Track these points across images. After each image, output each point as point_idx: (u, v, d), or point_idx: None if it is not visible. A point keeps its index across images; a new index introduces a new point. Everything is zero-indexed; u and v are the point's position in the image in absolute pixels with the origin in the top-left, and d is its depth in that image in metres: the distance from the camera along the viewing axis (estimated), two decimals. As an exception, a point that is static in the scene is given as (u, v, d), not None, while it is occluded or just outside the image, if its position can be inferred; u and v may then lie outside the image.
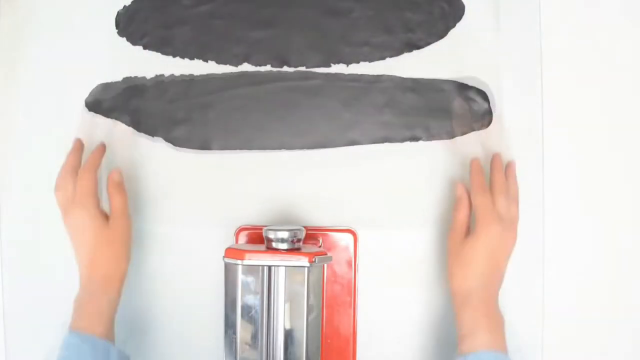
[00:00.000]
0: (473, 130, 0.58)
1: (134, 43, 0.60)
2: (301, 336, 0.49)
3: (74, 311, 0.51)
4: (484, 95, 0.58)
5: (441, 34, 0.59)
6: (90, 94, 0.60)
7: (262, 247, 0.51)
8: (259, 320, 0.49)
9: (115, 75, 0.60)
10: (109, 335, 0.51)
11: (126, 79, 0.60)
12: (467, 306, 0.51)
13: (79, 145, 0.57)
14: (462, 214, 0.54)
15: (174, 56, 0.60)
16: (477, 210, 0.53)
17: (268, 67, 0.59)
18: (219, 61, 0.59)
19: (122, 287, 0.53)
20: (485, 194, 0.53)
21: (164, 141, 0.60)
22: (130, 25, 0.60)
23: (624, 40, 0.59)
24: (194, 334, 0.60)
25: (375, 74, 0.59)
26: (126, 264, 0.54)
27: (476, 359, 0.48)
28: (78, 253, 0.53)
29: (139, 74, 0.60)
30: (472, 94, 0.58)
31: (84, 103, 0.60)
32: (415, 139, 0.59)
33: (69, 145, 0.60)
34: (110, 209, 0.55)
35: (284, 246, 0.50)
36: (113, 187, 0.55)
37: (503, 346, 0.50)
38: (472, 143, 0.58)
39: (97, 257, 0.52)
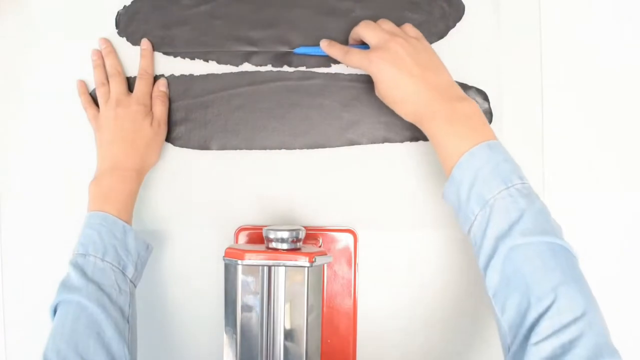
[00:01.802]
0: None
1: (134, 43, 0.60)
2: (301, 336, 0.49)
3: (93, 196, 0.54)
4: (484, 95, 0.58)
5: (441, 34, 0.59)
6: (92, 94, 0.60)
7: (262, 247, 0.51)
8: (259, 320, 0.49)
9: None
10: (128, 222, 0.55)
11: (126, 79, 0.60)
12: (426, 123, 0.49)
13: (111, 47, 0.60)
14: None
15: (174, 56, 0.60)
16: (363, 32, 0.52)
17: (268, 67, 0.59)
18: (219, 61, 0.60)
19: (141, 181, 0.57)
20: (367, 23, 0.53)
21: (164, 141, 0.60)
22: (130, 26, 0.60)
23: (623, 39, 0.59)
24: (194, 333, 0.60)
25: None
26: (153, 164, 0.59)
27: (458, 170, 0.46)
28: (112, 142, 0.56)
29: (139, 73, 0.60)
30: (472, 94, 0.58)
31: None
32: (415, 139, 0.59)
33: (69, 144, 0.61)
34: (153, 114, 0.58)
35: (284, 246, 0.50)
36: (158, 95, 0.59)
37: (482, 135, 0.47)
38: None
39: (135, 149, 0.56)
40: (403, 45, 0.50)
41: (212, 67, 0.60)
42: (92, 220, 0.53)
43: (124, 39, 0.60)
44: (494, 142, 0.47)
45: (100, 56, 0.60)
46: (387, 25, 0.53)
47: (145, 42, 0.59)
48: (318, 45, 0.57)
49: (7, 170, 0.61)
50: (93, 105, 0.59)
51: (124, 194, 0.55)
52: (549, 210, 0.45)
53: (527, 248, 0.42)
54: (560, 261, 0.41)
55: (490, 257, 0.43)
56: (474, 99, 0.58)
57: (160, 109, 0.58)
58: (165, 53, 0.60)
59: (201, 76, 0.60)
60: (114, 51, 0.60)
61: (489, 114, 0.58)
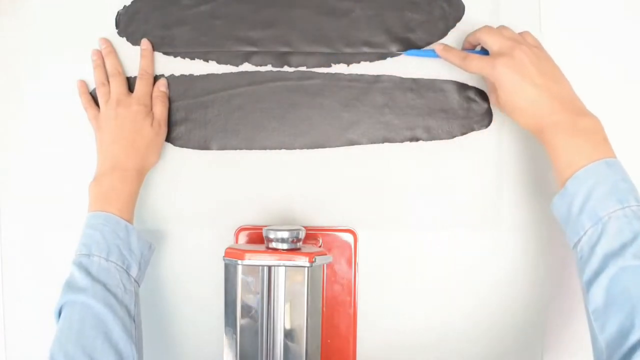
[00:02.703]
0: (473, 130, 0.58)
1: (134, 43, 0.60)
2: (301, 336, 0.49)
3: (94, 196, 0.54)
4: (484, 95, 0.58)
5: (441, 34, 0.59)
6: (92, 94, 0.60)
7: (262, 247, 0.51)
8: (259, 320, 0.49)
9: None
10: (130, 222, 0.54)
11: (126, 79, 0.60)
12: (547, 133, 0.48)
13: (111, 48, 0.60)
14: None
15: (174, 56, 0.60)
16: (485, 37, 0.52)
17: (268, 67, 0.59)
18: (219, 61, 0.60)
19: (142, 182, 0.57)
20: (489, 29, 0.52)
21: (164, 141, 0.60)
22: (130, 26, 0.60)
23: (623, 39, 0.59)
24: (194, 333, 0.60)
25: (375, 74, 0.59)
26: (153, 164, 0.58)
27: (573, 184, 0.46)
28: (113, 142, 0.56)
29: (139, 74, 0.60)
30: (472, 94, 0.58)
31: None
32: (415, 139, 0.59)
33: (69, 145, 0.61)
34: (153, 114, 0.58)
35: (284, 246, 0.50)
36: (158, 95, 0.59)
37: (602, 152, 0.46)
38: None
39: (135, 149, 0.56)
40: (527, 54, 0.49)
41: (212, 67, 0.60)
42: (94, 221, 0.53)
43: (124, 39, 0.60)
44: (613, 160, 0.47)
45: (100, 56, 0.59)
46: (508, 32, 0.52)
47: (145, 42, 0.59)
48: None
49: (7, 170, 0.61)
50: (93, 105, 0.59)
51: (124, 193, 0.54)
52: None
53: (638, 270, 0.42)
54: None
55: (598, 273, 0.43)
56: (474, 99, 0.58)
57: (160, 109, 0.58)
58: (165, 53, 0.60)
59: (201, 76, 0.60)
60: (114, 51, 0.60)
61: (489, 114, 0.58)
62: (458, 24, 0.59)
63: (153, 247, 0.56)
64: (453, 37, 0.58)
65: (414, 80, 0.59)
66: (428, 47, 0.58)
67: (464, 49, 0.56)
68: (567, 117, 0.48)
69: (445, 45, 0.55)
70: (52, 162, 0.61)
